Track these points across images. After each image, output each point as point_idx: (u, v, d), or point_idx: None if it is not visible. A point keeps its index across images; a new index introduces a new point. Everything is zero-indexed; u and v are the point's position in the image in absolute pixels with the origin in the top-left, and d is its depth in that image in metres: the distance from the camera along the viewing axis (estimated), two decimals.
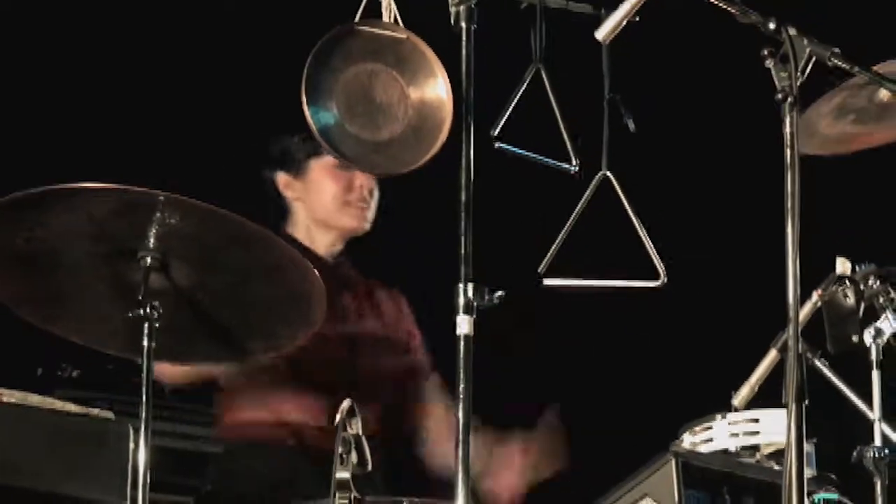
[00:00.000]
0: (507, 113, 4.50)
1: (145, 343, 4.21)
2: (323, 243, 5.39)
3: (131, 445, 4.28)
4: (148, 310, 4.21)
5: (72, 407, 4.41)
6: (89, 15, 6.88)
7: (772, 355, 4.60)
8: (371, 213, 5.45)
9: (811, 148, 4.57)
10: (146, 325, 4.21)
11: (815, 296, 4.58)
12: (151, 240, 4.23)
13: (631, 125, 4.54)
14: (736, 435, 4.56)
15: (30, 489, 4.27)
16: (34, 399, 4.37)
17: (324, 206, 5.44)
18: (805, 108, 3.98)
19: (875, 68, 4.36)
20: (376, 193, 5.47)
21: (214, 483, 5.43)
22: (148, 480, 4.15)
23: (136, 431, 4.19)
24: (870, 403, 4.56)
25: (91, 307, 4.37)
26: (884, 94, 4.79)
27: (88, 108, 6.93)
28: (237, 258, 4.32)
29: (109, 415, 4.45)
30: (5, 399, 4.31)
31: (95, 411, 4.43)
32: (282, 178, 5.47)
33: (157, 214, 4.17)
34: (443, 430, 5.41)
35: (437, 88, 4.41)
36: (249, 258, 4.34)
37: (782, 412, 3.60)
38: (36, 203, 4.11)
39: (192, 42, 6.91)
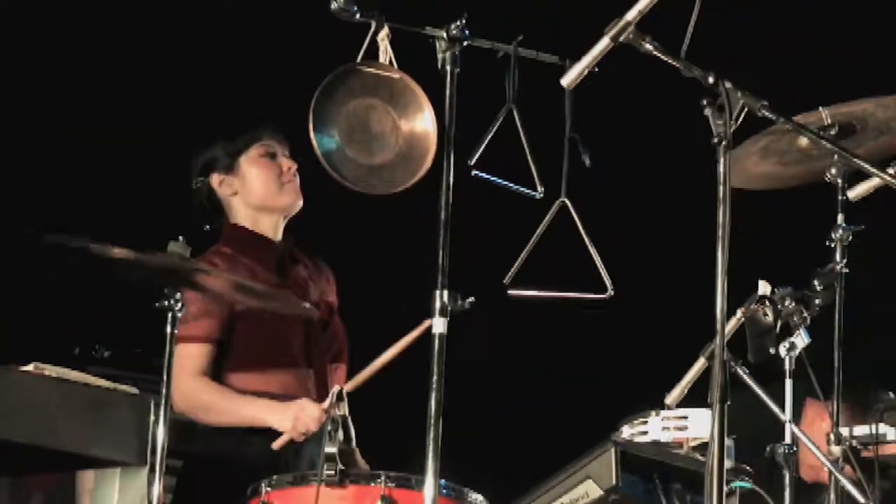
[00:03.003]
0: (483, 145, 4.45)
1: (168, 330, 4.21)
2: (269, 225, 5.17)
3: (152, 417, 4.22)
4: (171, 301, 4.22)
5: (102, 382, 4.37)
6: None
7: (700, 362, 4.52)
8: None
9: (739, 183, 4.55)
10: (169, 314, 4.21)
11: (739, 312, 4.53)
12: None
13: (587, 160, 4.48)
14: (667, 429, 4.54)
15: (65, 450, 4.20)
16: (71, 374, 4.32)
17: (262, 192, 5.23)
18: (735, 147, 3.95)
19: (796, 118, 4.35)
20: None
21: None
22: (165, 447, 4.12)
23: (157, 406, 4.17)
24: (782, 407, 4.53)
25: None
26: (803, 141, 4.78)
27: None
28: None
29: (134, 390, 4.39)
30: (47, 373, 4.27)
31: (122, 387, 4.38)
32: (215, 178, 5.24)
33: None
34: None
35: (424, 122, 4.45)
36: None
37: (707, 411, 3.57)
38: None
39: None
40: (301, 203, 5.26)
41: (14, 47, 6.61)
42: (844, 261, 4.69)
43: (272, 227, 5.19)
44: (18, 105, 6.61)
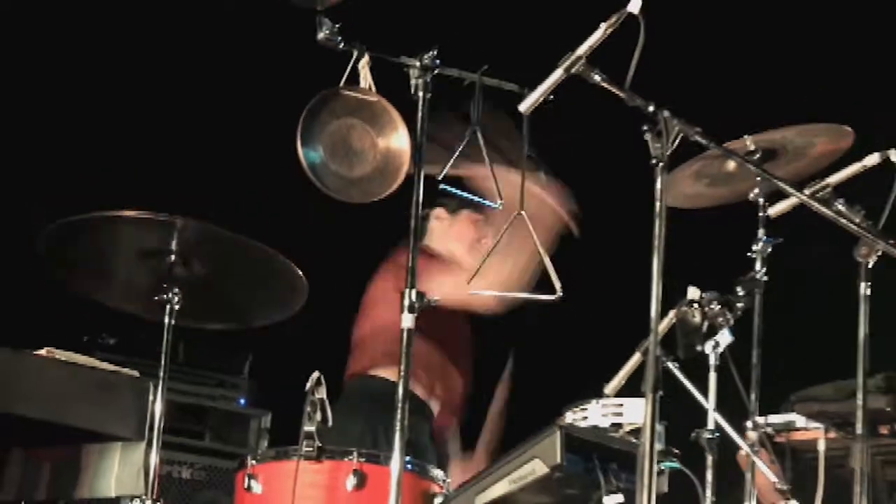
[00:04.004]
0: (451, 162, 4.48)
1: (166, 321, 4.29)
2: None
3: (150, 398, 4.32)
4: (169, 294, 4.31)
5: (107, 366, 4.47)
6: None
7: (636, 357, 4.59)
8: None
9: (675, 203, 4.60)
10: (168, 306, 4.30)
11: (671, 314, 4.54)
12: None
13: (542, 176, 4.60)
14: (606, 415, 4.56)
15: (72, 426, 4.33)
16: (79, 358, 4.43)
17: (457, 244, 5.60)
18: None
19: (726, 144, 4.46)
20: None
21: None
22: (161, 425, 4.23)
23: (155, 388, 4.27)
24: (706, 396, 4.60)
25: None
26: (731, 164, 4.89)
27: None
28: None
29: (135, 373, 4.49)
30: (58, 357, 4.37)
31: (125, 370, 4.47)
32: (438, 210, 5.62)
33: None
34: None
35: (399, 140, 4.48)
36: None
37: (641, 400, 3.56)
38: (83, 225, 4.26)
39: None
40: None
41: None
42: (764, 269, 4.76)
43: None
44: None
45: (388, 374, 5.24)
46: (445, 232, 5.62)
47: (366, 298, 5.54)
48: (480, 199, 4.61)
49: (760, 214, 4.84)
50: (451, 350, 5.43)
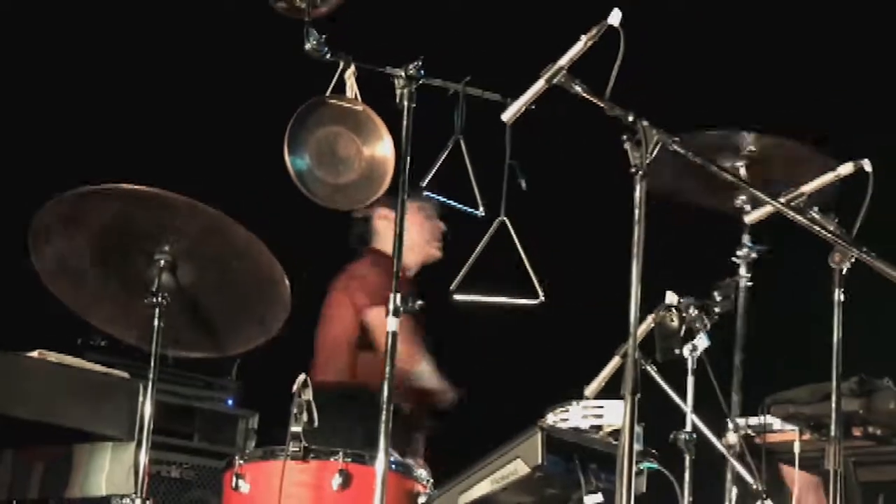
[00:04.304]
0: (434, 169, 4.54)
1: (156, 323, 4.27)
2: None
3: (140, 399, 4.33)
4: (159, 298, 4.29)
5: (98, 367, 4.48)
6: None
7: (615, 360, 4.59)
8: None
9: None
10: (157, 309, 4.28)
11: (649, 318, 4.56)
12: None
13: (524, 184, 4.58)
14: (586, 417, 4.57)
15: (63, 426, 4.33)
16: (70, 360, 4.45)
17: (419, 239, 5.61)
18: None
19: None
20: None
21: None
22: (151, 425, 4.23)
23: (145, 389, 4.27)
24: (684, 398, 4.60)
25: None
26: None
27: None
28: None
29: (125, 375, 4.50)
30: (50, 359, 4.38)
31: (115, 372, 4.49)
32: (381, 210, 5.59)
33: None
34: None
35: (384, 148, 4.54)
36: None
37: (620, 402, 3.57)
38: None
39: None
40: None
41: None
42: (749, 275, 4.78)
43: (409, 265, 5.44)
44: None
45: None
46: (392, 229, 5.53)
47: (323, 309, 5.64)
48: (463, 206, 4.64)
49: (746, 221, 4.88)
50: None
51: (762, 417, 4.88)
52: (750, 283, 4.85)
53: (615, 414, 4.52)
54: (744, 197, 4.88)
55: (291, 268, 4.44)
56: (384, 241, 5.66)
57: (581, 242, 6.41)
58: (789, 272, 6.07)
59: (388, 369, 4.20)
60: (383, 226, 5.67)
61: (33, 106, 6.75)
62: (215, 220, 4.24)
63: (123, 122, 6.85)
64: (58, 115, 6.80)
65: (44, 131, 6.78)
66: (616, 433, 4.45)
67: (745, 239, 4.89)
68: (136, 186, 4.16)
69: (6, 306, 5.99)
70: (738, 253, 4.86)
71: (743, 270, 4.86)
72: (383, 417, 4.18)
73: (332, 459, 4.31)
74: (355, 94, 4.47)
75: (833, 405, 4.29)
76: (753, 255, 4.87)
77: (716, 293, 4.70)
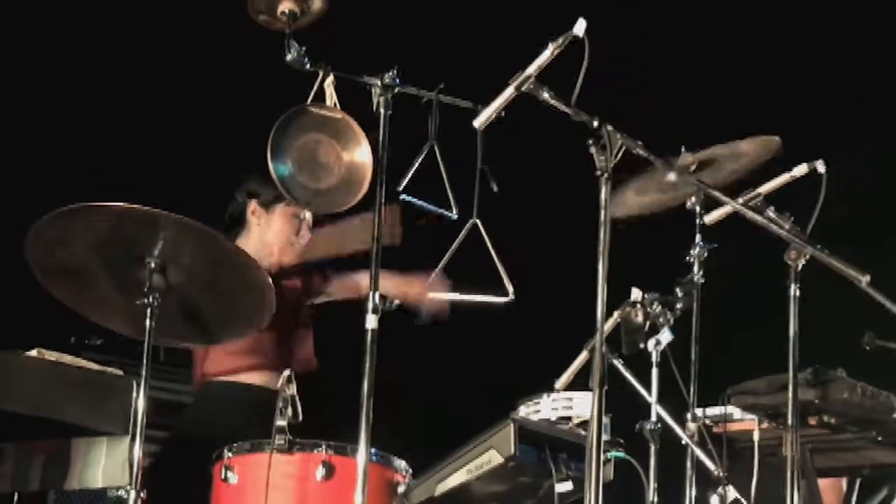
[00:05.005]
0: (410, 174, 4.56)
1: (148, 323, 4.26)
2: (263, 263, 5.19)
3: (134, 395, 4.33)
4: (150, 299, 4.28)
5: (93, 365, 4.51)
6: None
7: (584, 354, 4.56)
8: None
9: (620, 213, 4.66)
10: (149, 310, 4.27)
11: (615, 314, 4.58)
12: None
13: (495, 187, 4.60)
14: (556, 409, 4.60)
15: (61, 421, 4.36)
16: (67, 358, 4.47)
17: (278, 240, 5.44)
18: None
19: (665, 158, 4.34)
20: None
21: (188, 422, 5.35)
22: (144, 420, 4.21)
23: (138, 386, 4.27)
24: (649, 390, 4.62)
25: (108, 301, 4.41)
26: (671, 175, 4.76)
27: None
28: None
29: (119, 372, 4.53)
30: (46, 357, 4.41)
31: (110, 369, 4.52)
32: (253, 205, 5.42)
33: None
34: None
35: (362, 154, 4.55)
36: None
37: (589, 394, 3.58)
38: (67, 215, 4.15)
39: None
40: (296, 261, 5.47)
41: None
42: (701, 272, 4.80)
43: (266, 266, 5.23)
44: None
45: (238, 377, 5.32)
46: (261, 227, 5.45)
47: None
48: (441, 210, 4.66)
49: (698, 222, 4.88)
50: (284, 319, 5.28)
51: (723, 408, 4.91)
52: (702, 281, 4.86)
53: (584, 405, 4.55)
54: (694, 199, 4.89)
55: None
56: (251, 237, 5.44)
57: (550, 243, 6.41)
58: (748, 269, 6.22)
59: (367, 364, 4.21)
60: (253, 222, 5.47)
61: (33, 106, 6.76)
62: (205, 236, 4.26)
63: (114, 127, 6.85)
64: (56, 116, 6.81)
65: (43, 131, 6.79)
66: (585, 424, 4.47)
67: (698, 238, 4.89)
68: (125, 205, 4.16)
69: (3, 307, 5.99)
70: (692, 252, 4.88)
71: (696, 268, 4.87)
72: (363, 410, 4.20)
73: (315, 452, 4.35)
74: (334, 103, 4.49)
75: (790, 395, 4.34)
76: (705, 253, 4.91)
77: (678, 289, 4.74)
